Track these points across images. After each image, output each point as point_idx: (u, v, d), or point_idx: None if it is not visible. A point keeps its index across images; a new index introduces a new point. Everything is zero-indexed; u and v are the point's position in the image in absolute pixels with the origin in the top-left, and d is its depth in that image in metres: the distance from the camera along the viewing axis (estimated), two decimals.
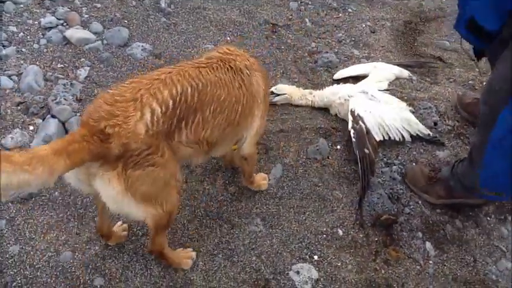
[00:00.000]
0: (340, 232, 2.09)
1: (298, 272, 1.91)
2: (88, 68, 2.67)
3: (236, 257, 1.93)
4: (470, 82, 2.89)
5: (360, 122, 2.39)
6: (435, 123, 2.58)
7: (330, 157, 2.38)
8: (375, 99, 2.53)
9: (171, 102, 1.47)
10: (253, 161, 2.05)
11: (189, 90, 1.52)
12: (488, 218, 2.20)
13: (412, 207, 2.20)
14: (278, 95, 2.61)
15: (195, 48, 2.91)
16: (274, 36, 3.07)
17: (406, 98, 2.69)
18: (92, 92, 2.53)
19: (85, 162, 1.33)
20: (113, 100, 1.41)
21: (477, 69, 2.99)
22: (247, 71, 1.75)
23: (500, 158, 1.73)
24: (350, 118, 2.41)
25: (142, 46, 2.87)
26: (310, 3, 3.37)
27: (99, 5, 3.13)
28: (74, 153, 1.29)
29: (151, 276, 1.84)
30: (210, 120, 1.59)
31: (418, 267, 2.00)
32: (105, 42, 2.88)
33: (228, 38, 3.01)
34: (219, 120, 1.63)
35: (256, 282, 1.87)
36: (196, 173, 2.24)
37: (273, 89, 2.61)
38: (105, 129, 1.36)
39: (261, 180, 2.19)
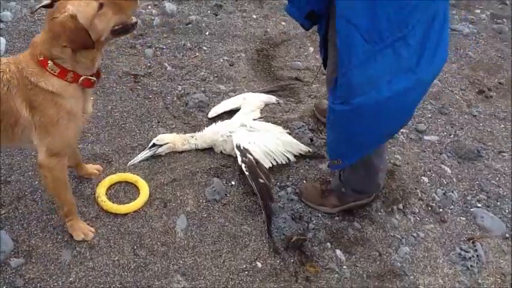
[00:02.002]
0: (259, 264, 2.14)
1: None
2: None
3: None
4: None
5: (248, 155, 2.48)
6: (311, 140, 2.79)
7: (227, 195, 2.43)
8: (254, 130, 2.66)
9: None
10: (52, 178, 1.95)
11: None
12: (379, 213, 2.44)
13: (314, 222, 2.34)
14: (161, 145, 2.58)
15: None
16: (138, 87, 3.04)
17: (279, 121, 2.87)
18: None
19: None
20: None
21: None
22: (5, 88, 1.76)
23: (330, 131, 2.08)
24: (238, 153, 2.49)
25: None
26: (165, 47, 3.40)
27: None
28: None
29: None
30: None
31: (336, 275, 2.14)
32: None
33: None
34: None
35: None
36: (99, 247, 2.11)
37: (154, 140, 2.59)
38: None
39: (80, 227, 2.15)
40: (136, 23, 1.86)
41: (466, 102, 3.38)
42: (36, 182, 2.35)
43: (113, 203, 2.29)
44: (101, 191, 2.30)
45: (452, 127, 3.10)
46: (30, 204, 2.25)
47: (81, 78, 1.82)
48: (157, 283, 2.00)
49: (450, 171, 2.75)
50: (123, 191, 2.38)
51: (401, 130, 2.99)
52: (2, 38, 3.25)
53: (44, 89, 1.78)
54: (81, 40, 1.73)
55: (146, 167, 2.53)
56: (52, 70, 1.78)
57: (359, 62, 1.76)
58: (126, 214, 2.26)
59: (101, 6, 1.74)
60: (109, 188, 2.36)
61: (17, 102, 1.79)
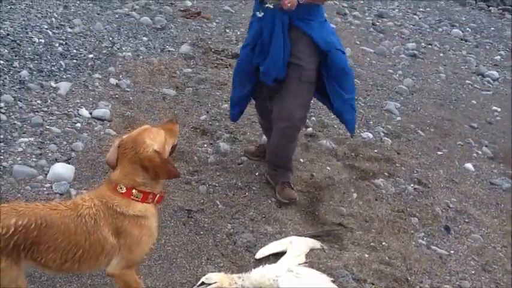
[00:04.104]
0: None
1: None
2: None
3: None
4: (371, 244, 3.28)
5: None
6: None
7: None
8: (300, 276, 2.74)
9: (12, 229, 1.86)
10: (125, 283, 2.21)
11: (32, 226, 1.90)
12: None
13: None
14: (209, 284, 2.68)
15: None
16: (191, 222, 3.22)
17: (323, 268, 2.95)
18: None
19: None
20: None
21: (373, 230, 3.42)
22: (92, 221, 2.02)
23: None
24: None
25: None
26: (217, 185, 3.65)
27: None
28: None
29: None
30: (43, 254, 1.94)
31: None
32: None
33: None
34: (53, 256, 1.96)
35: None
36: None
37: (203, 279, 2.69)
38: None
39: None
40: (176, 144, 2.32)
41: (509, 260, 3.39)
42: None
43: None
44: None
45: (496, 286, 3.09)
46: None
47: (157, 196, 2.16)
48: None
49: None
50: None
51: (445, 286, 3.01)
52: (72, 165, 3.58)
53: (131, 215, 2.08)
54: (168, 171, 2.11)
55: None
56: (136, 197, 2.09)
57: None
58: None
59: (164, 133, 2.18)
60: None
61: (104, 232, 2.04)
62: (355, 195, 3.81)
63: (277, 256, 2.99)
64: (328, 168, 4.12)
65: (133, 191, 2.09)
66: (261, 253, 3.02)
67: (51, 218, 1.96)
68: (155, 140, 2.12)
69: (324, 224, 3.45)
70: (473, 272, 3.20)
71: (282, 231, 3.28)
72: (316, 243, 3.16)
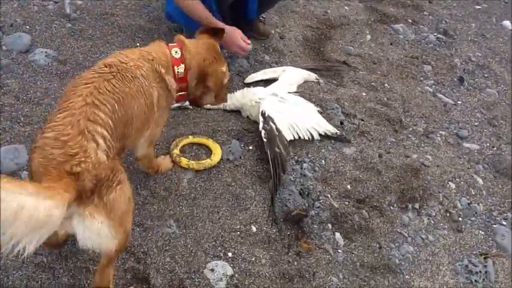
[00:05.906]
0: (254, 229, 2.12)
1: (212, 270, 1.91)
2: None
3: (149, 259, 1.90)
4: (372, 84, 3.08)
5: (271, 123, 2.45)
6: (341, 122, 2.71)
7: (242, 157, 2.42)
8: (284, 101, 2.63)
9: (110, 122, 1.50)
10: (149, 161, 2.10)
11: (116, 106, 1.56)
12: (392, 207, 2.34)
13: (321, 201, 2.28)
14: None
15: (102, 54, 2.84)
16: None
17: (314, 99, 2.81)
18: None
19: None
20: (60, 142, 1.39)
21: (379, 72, 3.20)
22: (146, 82, 1.73)
23: None
24: (261, 119, 2.47)
25: (45, 52, 2.76)
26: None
27: None
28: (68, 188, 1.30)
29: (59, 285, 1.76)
30: (131, 131, 1.67)
31: (328, 256, 2.08)
32: (4, 48, 2.74)
33: (138, 44, 2.97)
34: (134, 129, 1.68)
35: (170, 283, 1.84)
36: None
37: None
38: (72, 170, 1.35)
39: (167, 163, 2.25)
40: None
41: None
42: None
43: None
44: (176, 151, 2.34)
45: (497, 140, 2.90)
46: None
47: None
48: (149, 223, 2.04)
49: (482, 183, 2.58)
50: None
51: (440, 132, 2.84)
52: None
53: (173, 89, 1.89)
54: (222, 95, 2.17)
55: (171, 117, 2.56)
56: (178, 74, 1.90)
57: None
58: None
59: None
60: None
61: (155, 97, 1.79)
62: (368, 37, 3.52)
63: (268, 83, 2.84)
64: (346, 7, 3.79)
65: (182, 65, 1.86)
66: (250, 77, 2.88)
67: (119, 90, 1.60)
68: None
69: (327, 60, 3.24)
70: (476, 123, 2.99)
71: (279, 61, 3.10)
72: (311, 75, 2.98)
